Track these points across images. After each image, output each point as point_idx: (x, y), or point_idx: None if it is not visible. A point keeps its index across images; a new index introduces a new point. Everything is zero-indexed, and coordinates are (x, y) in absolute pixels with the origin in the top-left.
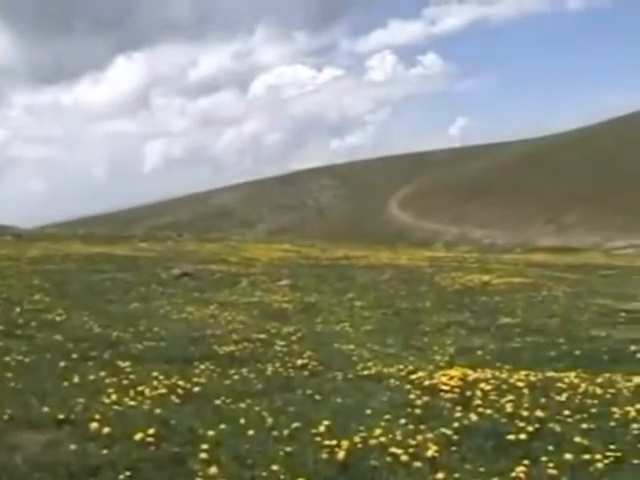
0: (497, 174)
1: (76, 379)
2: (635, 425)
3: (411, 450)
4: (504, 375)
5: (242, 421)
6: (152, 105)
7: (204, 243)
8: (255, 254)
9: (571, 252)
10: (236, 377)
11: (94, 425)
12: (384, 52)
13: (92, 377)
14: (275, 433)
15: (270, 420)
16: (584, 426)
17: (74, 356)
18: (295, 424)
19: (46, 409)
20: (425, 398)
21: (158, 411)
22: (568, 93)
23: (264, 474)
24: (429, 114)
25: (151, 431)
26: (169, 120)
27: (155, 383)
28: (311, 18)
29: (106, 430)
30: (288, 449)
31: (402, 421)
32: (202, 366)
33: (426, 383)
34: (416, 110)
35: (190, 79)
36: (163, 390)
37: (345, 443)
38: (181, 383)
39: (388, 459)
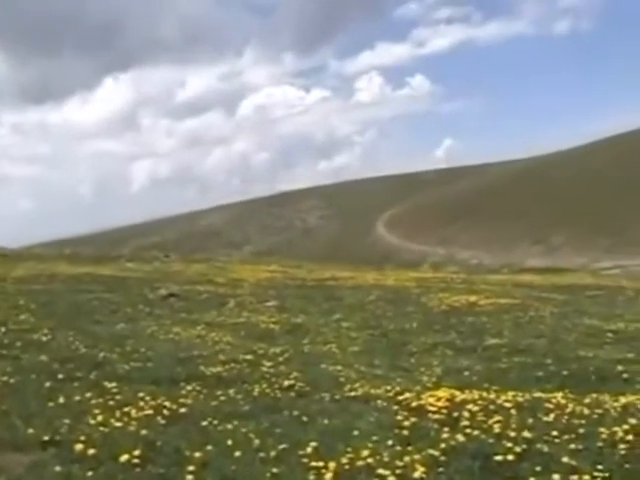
0: (484, 195)
1: (61, 400)
2: (622, 445)
3: (398, 471)
4: (491, 396)
5: (229, 442)
6: (140, 125)
7: (191, 264)
8: (242, 275)
9: (558, 273)
10: (223, 398)
11: (79, 446)
12: (371, 73)
13: (78, 398)
14: (262, 454)
15: (257, 441)
16: (572, 446)
17: (60, 377)
18: (282, 445)
19: (31, 430)
20: (412, 419)
21: (144, 432)
22: (554, 114)
23: None
24: (416, 135)
25: (137, 452)
26: (156, 140)
27: (141, 404)
28: (299, 39)
29: (91, 451)
30: (275, 470)
31: (389, 442)
32: (189, 387)
33: (413, 404)
34: (403, 131)
35: (178, 100)
36: (149, 411)
37: (332, 464)
38: (167, 404)
39: None
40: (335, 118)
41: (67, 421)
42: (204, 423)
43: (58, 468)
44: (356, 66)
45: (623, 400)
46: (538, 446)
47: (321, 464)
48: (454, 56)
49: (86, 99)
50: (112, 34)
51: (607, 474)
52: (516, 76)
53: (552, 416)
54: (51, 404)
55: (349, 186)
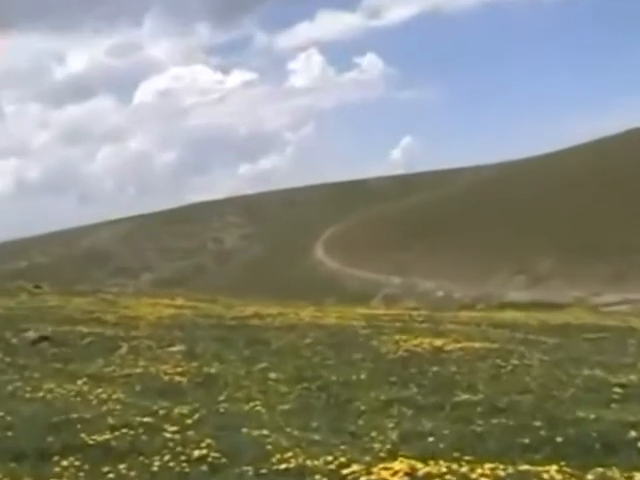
0: (451, 209)
1: None
2: None
3: None
4: (463, 469)
5: None
6: (2, 113)
7: (70, 297)
8: (139, 311)
9: (548, 309)
10: (111, 476)
11: None
12: (310, 51)
13: None
14: None
15: None
16: None
17: None
18: None
19: None
20: None
21: None
22: (538, 106)
23: None
24: (366, 131)
25: None
26: (25, 133)
27: None
28: (216, 5)
29: None
30: None
31: None
32: (64, 462)
33: None
34: (349, 126)
35: (54, 80)
36: None
37: None
38: None
39: None
40: (262, 108)
41: None
42: None
43: None
44: (290, 41)
45: (638, 477)
46: None
47: None
48: (416, 30)
49: None
50: None
51: None
52: (493, 56)
53: None
54: None
55: (279, 197)
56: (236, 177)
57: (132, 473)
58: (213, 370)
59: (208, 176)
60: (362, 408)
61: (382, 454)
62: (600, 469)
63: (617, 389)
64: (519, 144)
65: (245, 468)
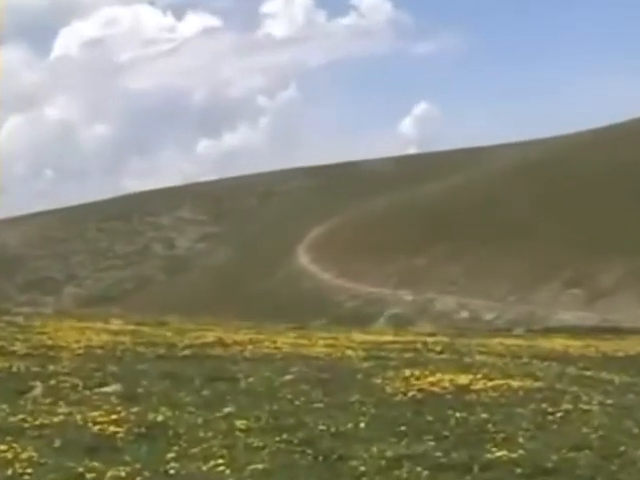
0: (478, 201)
1: None
2: None
3: None
4: None
5: None
6: None
7: None
8: (60, 339)
9: (613, 335)
10: None
11: None
12: None
13: None
14: None
15: None
16: None
17: None
18: None
19: None
20: None
21: None
22: (595, 69)
23: None
24: (366, 97)
25: None
26: None
27: None
28: None
29: None
30: None
31: None
32: None
33: None
34: (344, 90)
35: None
36: None
37: None
38: None
39: None
40: (227, 65)
41: None
42: None
43: None
44: None
45: None
46: None
47: None
48: None
49: None
50: None
51: None
52: None
53: None
54: None
55: (250, 185)
56: (193, 158)
57: None
58: (160, 417)
59: (154, 157)
60: (361, 469)
61: None
62: None
63: None
64: (573, 115)
65: None
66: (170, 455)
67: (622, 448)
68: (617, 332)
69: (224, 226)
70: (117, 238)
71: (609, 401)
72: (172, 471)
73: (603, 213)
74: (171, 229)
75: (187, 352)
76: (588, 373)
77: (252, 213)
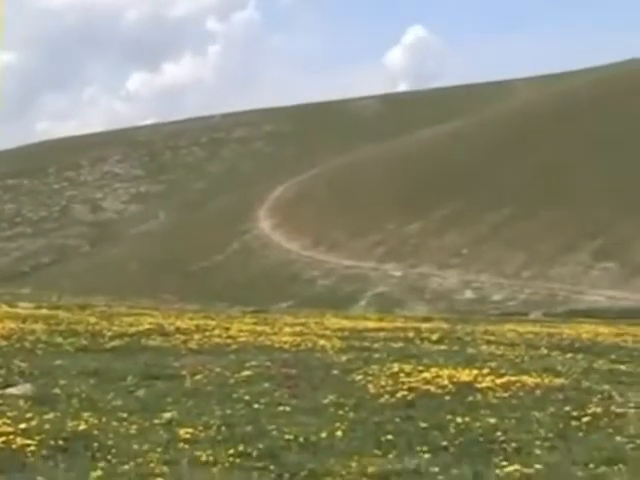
0: (486, 151)
1: None
2: None
3: None
4: None
5: None
6: None
7: None
8: None
9: None
10: None
11: None
12: None
13: None
14: None
15: None
16: None
17: None
18: None
19: None
20: None
21: None
22: None
23: None
24: (346, 17)
25: None
26: None
27: None
28: None
29: None
30: None
31: None
32: None
33: None
34: (316, 10)
35: None
36: None
37: None
38: None
39: None
40: None
41: None
42: None
43: None
44: None
45: None
46: None
47: None
48: None
49: None
50: None
51: None
52: None
53: None
54: None
55: (198, 131)
56: (123, 97)
57: None
58: (82, 426)
59: (74, 94)
60: None
61: None
62: None
63: None
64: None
65: None
66: (95, 474)
67: None
68: None
69: (163, 184)
70: (27, 199)
71: None
72: None
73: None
74: (96, 187)
75: (116, 343)
76: (622, 367)
77: (199, 167)
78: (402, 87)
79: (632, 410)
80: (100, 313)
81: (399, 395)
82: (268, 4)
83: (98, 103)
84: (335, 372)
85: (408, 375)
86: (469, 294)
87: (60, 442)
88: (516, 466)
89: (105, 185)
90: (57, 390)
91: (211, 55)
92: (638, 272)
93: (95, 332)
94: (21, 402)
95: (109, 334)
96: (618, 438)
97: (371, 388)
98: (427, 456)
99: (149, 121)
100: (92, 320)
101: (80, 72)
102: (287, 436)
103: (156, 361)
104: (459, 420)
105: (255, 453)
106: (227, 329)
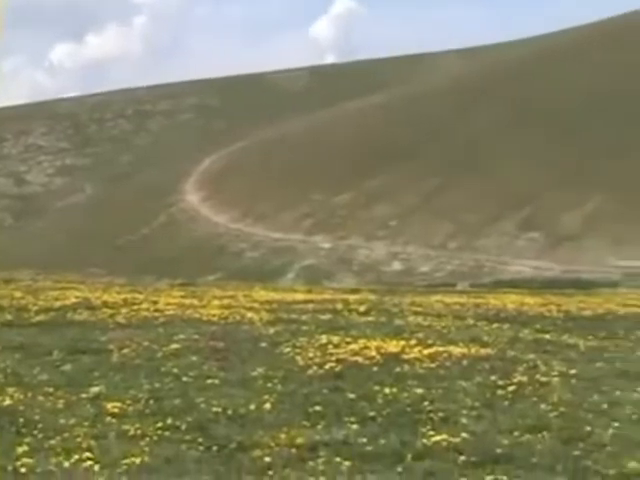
0: (416, 122)
1: None
2: None
3: None
4: None
5: None
6: None
7: None
8: None
9: (579, 290)
10: None
11: None
12: None
13: None
14: None
15: None
16: None
17: None
18: None
19: None
20: None
21: None
22: None
23: None
24: None
25: None
26: None
27: None
28: None
29: None
30: None
31: None
32: None
33: None
34: None
35: None
36: None
37: None
38: None
39: None
40: None
41: None
42: None
43: None
44: None
45: None
46: None
47: None
48: None
49: None
50: None
51: None
52: None
53: None
54: None
55: (123, 102)
56: (47, 68)
57: None
58: (7, 401)
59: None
60: (266, 460)
61: None
62: None
63: None
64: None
65: None
66: (21, 449)
67: (588, 428)
68: (583, 286)
69: (89, 157)
70: None
71: (572, 371)
72: (24, 469)
73: (581, 138)
74: (19, 161)
75: (42, 317)
76: (547, 337)
77: (125, 140)
78: (329, 59)
79: (556, 379)
80: (25, 287)
81: (327, 367)
82: None
83: (21, 75)
84: (263, 344)
85: (336, 347)
86: (397, 265)
87: None
88: (443, 435)
89: (29, 158)
90: None
91: (136, 25)
92: (563, 242)
93: (20, 306)
94: None
95: (35, 308)
96: (542, 406)
97: (299, 360)
98: (355, 427)
99: (74, 93)
100: (17, 294)
101: (3, 47)
102: (215, 409)
103: (83, 335)
104: (387, 391)
105: (183, 426)
106: (155, 302)
